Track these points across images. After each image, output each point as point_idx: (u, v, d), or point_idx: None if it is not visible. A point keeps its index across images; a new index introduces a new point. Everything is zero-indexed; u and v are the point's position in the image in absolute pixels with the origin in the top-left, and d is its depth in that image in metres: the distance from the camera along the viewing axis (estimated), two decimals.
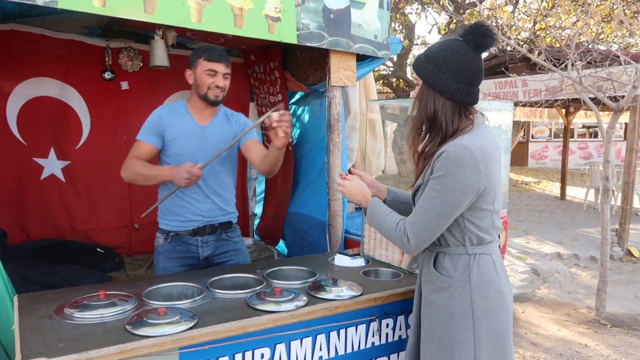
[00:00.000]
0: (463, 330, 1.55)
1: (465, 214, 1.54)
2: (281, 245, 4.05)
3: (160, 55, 3.12)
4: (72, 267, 3.23)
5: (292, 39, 2.63)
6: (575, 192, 11.61)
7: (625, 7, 6.79)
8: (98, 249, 3.68)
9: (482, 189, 1.51)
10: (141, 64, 3.82)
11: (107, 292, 1.81)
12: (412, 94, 1.68)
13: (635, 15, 6.77)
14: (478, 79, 1.55)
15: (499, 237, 1.69)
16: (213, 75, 2.31)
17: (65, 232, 3.74)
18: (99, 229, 3.88)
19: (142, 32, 3.58)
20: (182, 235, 2.40)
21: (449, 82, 1.52)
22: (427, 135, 1.62)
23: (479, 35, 1.51)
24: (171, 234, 2.41)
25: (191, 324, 1.59)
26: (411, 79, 11.64)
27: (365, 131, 3.71)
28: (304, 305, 1.80)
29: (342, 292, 1.94)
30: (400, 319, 2.06)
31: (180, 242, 2.41)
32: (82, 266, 3.32)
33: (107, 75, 3.72)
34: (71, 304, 1.71)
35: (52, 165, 3.65)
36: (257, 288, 1.97)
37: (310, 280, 2.10)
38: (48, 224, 3.67)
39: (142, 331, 1.53)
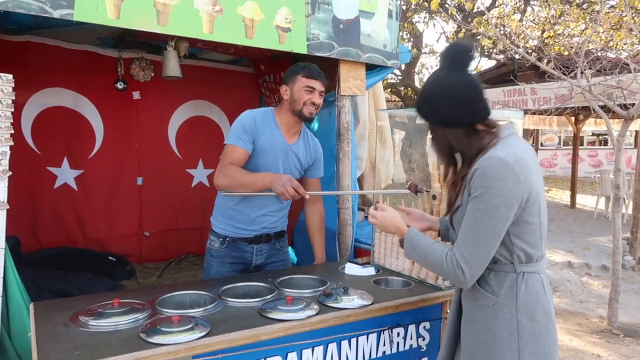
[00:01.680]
0: (507, 352, 1.47)
1: (511, 230, 1.45)
2: (290, 254, 4.05)
3: (172, 66, 3.16)
4: (84, 275, 3.27)
5: (302, 49, 2.65)
6: (585, 201, 11.53)
7: (634, 15, 6.78)
8: (109, 257, 3.72)
9: (525, 200, 1.43)
10: (153, 74, 3.87)
11: (121, 301, 1.83)
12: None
13: None
14: (475, 94, 1.50)
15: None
16: (310, 92, 2.31)
17: (77, 240, 3.78)
18: (111, 237, 3.92)
19: (154, 42, 3.64)
20: (239, 241, 2.42)
21: (447, 112, 1.50)
22: (454, 165, 1.59)
23: (454, 55, 1.50)
24: (228, 239, 2.42)
25: (204, 332, 1.60)
26: (419, 87, 11.66)
27: (374, 140, 3.72)
28: (316, 314, 1.81)
29: (353, 301, 1.94)
30: (411, 328, 2.06)
31: (236, 248, 2.43)
32: (93, 274, 3.35)
33: (120, 85, 3.77)
34: (86, 312, 1.73)
35: (65, 174, 3.71)
36: (269, 296, 1.98)
37: (321, 289, 2.11)
38: (61, 232, 3.72)
39: (156, 339, 1.54)
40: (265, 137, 2.32)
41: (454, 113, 1.49)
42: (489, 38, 7.86)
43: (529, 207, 1.44)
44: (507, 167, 1.39)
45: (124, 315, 1.71)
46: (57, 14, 1.97)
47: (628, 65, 4.44)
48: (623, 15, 5.71)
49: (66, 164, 3.70)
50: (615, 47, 7.77)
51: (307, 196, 2.12)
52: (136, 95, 3.89)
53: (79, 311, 1.75)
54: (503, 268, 1.50)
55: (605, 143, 18.45)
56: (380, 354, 1.98)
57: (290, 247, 3.99)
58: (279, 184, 2.08)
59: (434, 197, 2.40)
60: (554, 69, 4.56)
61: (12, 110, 2.02)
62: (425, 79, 12.08)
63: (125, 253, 3.95)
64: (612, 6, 7.78)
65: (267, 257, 2.49)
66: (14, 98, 2.02)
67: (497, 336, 1.48)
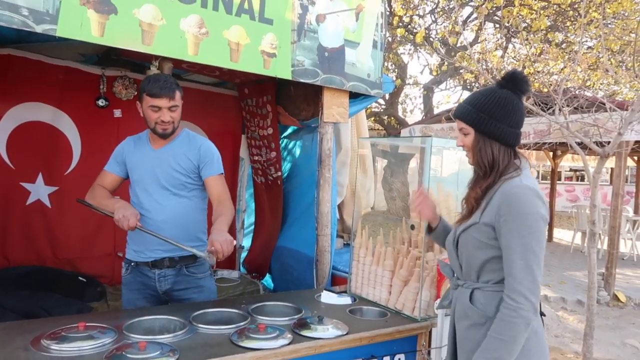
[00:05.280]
0: None
1: None
2: (267, 280, 3.99)
3: None
4: (51, 296, 3.15)
5: (287, 75, 2.67)
6: (562, 235, 11.67)
7: (610, 57, 7.02)
8: (80, 278, 3.60)
9: None
10: (135, 93, 3.83)
11: (87, 324, 1.76)
12: (457, 142, 1.72)
13: (620, 64, 7.00)
14: (523, 121, 1.65)
15: None
16: (157, 110, 2.21)
17: (47, 259, 3.66)
18: (82, 257, 3.80)
19: (138, 61, 3.61)
20: (142, 266, 2.35)
21: (503, 129, 1.60)
22: (488, 176, 1.64)
23: (520, 82, 1.61)
24: (132, 264, 2.37)
25: None
26: (402, 117, 11.82)
27: (356, 167, 3.73)
28: (289, 344, 1.77)
29: (327, 331, 1.91)
30: None
31: (140, 273, 2.36)
32: (62, 294, 3.23)
33: (101, 102, 3.72)
34: (49, 335, 1.66)
35: (39, 191, 3.61)
36: (241, 324, 1.93)
37: (295, 317, 2.07)
38: (30, 250, 3.59)
39: None
40: (134, 155, 2.37)
41: (507, 131, 1.60)
42: (471, 72, 8.04)
43: None
44: (539, 197, 1.52)
45: (88, 340, 1.65)
46: (39, 29, 1.95)
47: (604, 104, 4.56)
48: (600, 56, 5.90)
49: (41, 180, 3.60)
50: (592, 86, 8.02)
51: (132, 227, 2.15)
52: (117, 113, 3.83)
53: (41, 334, 1.68)
54: (495, 288, 1.58)
55: (582, 179, 18.83)
56: None
57: (267, 274, 3.95)
58: (119, 213, 2.16)
59: (412, 227, 2.39)
60: (533, 104, 4.66)
61: None
62: (408, 108, 12.21)
63: (97, 274, 3.83)
64: (589, 47, 8.06)
65: (174, 282, 2.35)
66: None
67: None
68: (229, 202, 2.33)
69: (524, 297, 1.46)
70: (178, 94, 2.27)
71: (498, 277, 1.57)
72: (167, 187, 2.31)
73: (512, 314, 1.47)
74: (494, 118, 1.59)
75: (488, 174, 1.63)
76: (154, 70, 3.13)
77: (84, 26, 2.04)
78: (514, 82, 1.61)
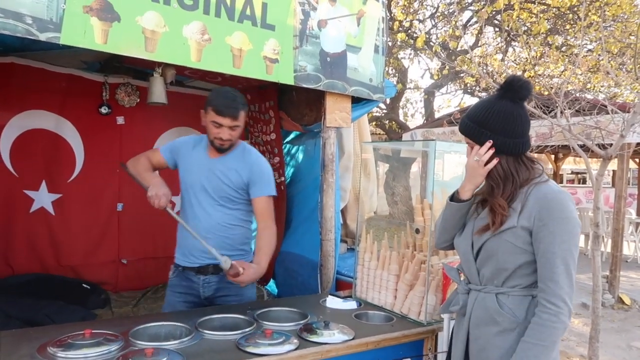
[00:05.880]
0: None
1: None
2: (271, 285, 3.99)
3: (158, 92, 3.15)
4: (55, 303, 3.16)
5: (289, 80, 2.67)
6: None
7: (610, 59, 7.03)
8: (84, 285, 3.61)
9: None
10: (138, 100, 3.85)
11: (93, 331, 1.76)
12: (466, 155, 1.69)
13: (621, 66, 7.02)
14: (529, 127, 1.62)
15: None
16: (218, 127, 2.24)
17: (50, 266, 3.66)
18: (86, 264, 3.81)
19: (140, 68, 3.63)
20: (188, 271, 2.37)
21: (507, 142, 1.58)
22: (503, 190, 1.62)
23: (518, 89, 1.58)
24: (179, 268, 2.40)
25: None
26: (403, 121, 11.84)
27: (359, 172, 3.73)
28: (295, 349, 1.76)
29: (333, 336, 1.90)
30: None
31: (186, 277, 2.38)
32: (66, 302, 3.24)
33: (104, 109, 3.74)
34: (55, 343, 1.66)
35: (42, 198, 3.62)
36: (247, 329, 1.93)
37: (301, 322, 2.06)
38: (34, 258, 3.60)
39: None
40: (190, 158, 2.40)
41: (512, 143, 1.58)
42: (472, 76, 8.06)
43: None
44: (572, 202, 1.54)
45: (94, 347, 1.64)
46: (43, 37, 1.96)
47: (606, 106, 4.56)
48: (600, 59, 5.92)
49: (44, 187, 3.62)
50: (593, 89, 8.03)
51: (162, 207, 2.17)
52: (120, 120, 3.85)
53: (47, 342, 1.67)
54: (522, 292, 1.56)
55: (584, 181, 18.81)
56: None
57: (271, 279, 3.94)
58: (152, 190, 2.19)
59: (417, 231, 2.39)
60: (534, 107, 4.66)
61: None
62: (409, 112, 12.23)
63: (101, 281, 3.83)
64: (589, 50, 8.08)
65: (216, 290, 2.37)
66: None
67: None
68: (271, 223, 2.38)
69: (564, 301, 1.45)
70: (242, 114, 2.27)
71: (527, 282, 1.56)
72: (213, 197, 2.33)
73: (553, 318, 1.45)
74: (496, 132, 1.57)
75: (502, 186, 1.60)
76: (157, 77, 3.14)
77: (88, 34, 2.05)
78: (513, 91, 1.59)
